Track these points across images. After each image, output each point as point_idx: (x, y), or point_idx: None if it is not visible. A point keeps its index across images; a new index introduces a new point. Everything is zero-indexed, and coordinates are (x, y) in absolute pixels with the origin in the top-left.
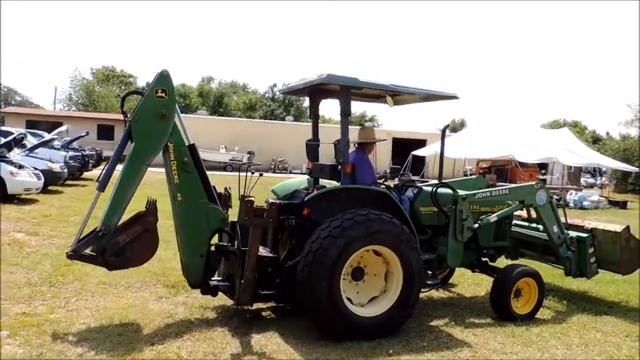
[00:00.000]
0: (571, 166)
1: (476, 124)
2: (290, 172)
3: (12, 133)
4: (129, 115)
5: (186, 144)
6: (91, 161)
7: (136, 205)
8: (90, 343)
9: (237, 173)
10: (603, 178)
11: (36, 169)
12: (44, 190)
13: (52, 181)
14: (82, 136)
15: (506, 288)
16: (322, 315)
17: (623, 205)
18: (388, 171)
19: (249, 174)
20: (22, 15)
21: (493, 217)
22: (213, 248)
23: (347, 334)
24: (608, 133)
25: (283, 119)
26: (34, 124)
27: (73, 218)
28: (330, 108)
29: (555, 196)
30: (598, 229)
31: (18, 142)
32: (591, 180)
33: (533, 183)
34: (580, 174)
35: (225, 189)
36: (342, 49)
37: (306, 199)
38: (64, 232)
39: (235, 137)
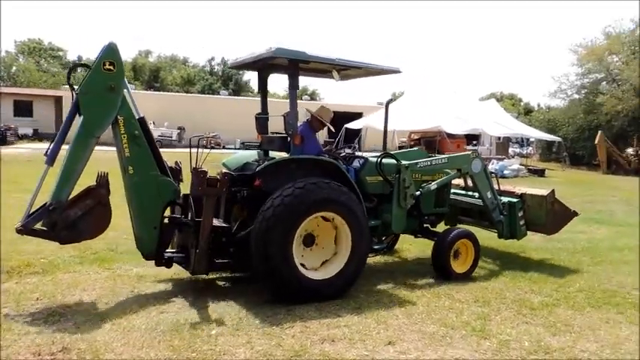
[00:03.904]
0: (499, 137)
1: (408, 96)
2: (223, 148)
3: None
4: (76, 89)
5: (136, 117)
6: None
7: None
8: None
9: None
10: (530, 148)
11: None
12: None
13: None
14: None
15: (446, 249)
16: (276, 280)
17: (541, 173)
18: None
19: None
20: None
21: (433, 185)
22: (166, 221)
23: (300, 296)
24: (539, 105)
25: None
26: None
27: None
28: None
29: None
30: (527, 193)
31: None
32: (518, 150)
33: (469, 153)
34: (508, 144)
35: (176, 162)
36: (288, 24)
37: (257, 169)
38: None
39: (166, 113)
